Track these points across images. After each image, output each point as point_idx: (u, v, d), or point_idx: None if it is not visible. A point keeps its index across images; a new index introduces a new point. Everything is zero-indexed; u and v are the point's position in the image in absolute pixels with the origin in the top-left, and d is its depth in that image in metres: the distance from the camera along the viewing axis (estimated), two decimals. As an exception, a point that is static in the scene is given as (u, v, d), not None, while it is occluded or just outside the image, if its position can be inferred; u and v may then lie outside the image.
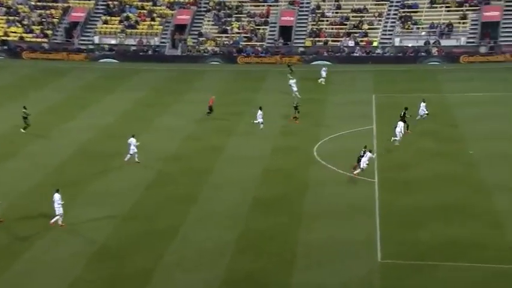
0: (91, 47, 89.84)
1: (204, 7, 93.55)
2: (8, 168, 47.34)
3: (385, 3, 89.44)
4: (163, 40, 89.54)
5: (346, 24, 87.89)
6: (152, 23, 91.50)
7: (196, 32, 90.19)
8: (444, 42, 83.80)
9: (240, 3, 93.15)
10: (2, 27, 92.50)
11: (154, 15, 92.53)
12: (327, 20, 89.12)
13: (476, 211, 38.60)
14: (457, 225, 36.78)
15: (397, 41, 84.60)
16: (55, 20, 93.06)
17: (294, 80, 66.38)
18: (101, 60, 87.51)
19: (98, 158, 48.88)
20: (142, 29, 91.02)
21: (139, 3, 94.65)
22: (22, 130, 54.95)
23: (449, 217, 37.74)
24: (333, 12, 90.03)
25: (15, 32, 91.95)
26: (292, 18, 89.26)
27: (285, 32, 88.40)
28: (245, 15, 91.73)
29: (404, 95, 65.00)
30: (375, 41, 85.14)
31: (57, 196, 37.41)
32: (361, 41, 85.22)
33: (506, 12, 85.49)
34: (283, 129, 54.83)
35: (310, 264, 33.16)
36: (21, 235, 36.68)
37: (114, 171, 46.39)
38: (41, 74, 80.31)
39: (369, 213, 38.52)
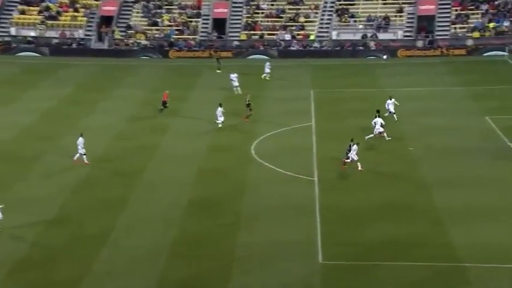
0: (7, 39, 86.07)
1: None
2: None
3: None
4: (88, 33, 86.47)
5: (282, 17, 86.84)
6: (76, 14, 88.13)
7: (124, 25, 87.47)
8: (381, 35, 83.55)
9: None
10: None
11: (78, 5, 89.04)
12: (262, 13, 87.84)
13: (417, 209, 38.75)
14: (398, 224, 36.71)
15: (334, 35, 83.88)
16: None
17: (236, 75, 64.68)
18: (19, 54, 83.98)
19: (19, 160, 47.00)
20: (65, 20, 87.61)
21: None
22: None
23: (390, 216, 37.63)
24: (268, 5, 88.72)
25: None
26: (225, 10, 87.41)
27: (219, 24, 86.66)
28: (176, 7, 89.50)
29: (342, 90, 65.07)
30: (312, 34, 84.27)
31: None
32: (298, 34, 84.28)
33: (441, 6, 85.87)
34: (220, 127, 53.46)
35: (250, 267, 32.73)
36: None
37: (37, 174, 44.68)
38: None
39: (309, 213, 38.25)
